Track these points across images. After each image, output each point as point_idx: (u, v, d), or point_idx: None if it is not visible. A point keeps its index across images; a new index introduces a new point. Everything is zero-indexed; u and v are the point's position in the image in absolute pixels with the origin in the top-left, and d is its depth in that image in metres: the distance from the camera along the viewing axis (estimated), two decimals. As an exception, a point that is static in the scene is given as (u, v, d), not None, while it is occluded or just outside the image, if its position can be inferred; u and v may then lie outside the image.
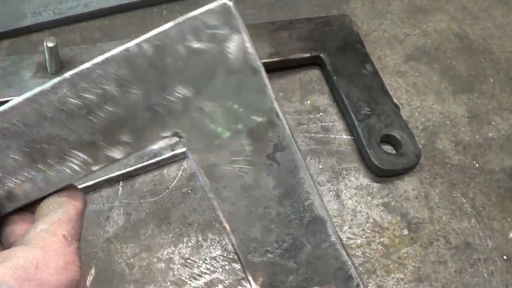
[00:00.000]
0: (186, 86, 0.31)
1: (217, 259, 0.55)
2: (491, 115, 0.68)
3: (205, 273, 0.54)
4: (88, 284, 0.53)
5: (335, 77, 0.68)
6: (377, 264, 0.55)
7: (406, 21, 0.78)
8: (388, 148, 0.63)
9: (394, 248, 0.57)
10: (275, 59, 0.69)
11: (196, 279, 0.54)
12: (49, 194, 0.32)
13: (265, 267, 0.34)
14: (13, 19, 0.72)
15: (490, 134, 0.66)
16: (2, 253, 0.30)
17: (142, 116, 0.31)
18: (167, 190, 0.59)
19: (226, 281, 0.54)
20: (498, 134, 0.66)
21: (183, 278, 0.54)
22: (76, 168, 0.31)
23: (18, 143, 0.30)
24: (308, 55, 0.70)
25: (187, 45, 0.30)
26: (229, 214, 0.34)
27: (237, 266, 0.54)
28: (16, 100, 0.30)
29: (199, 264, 0.55)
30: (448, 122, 0.67)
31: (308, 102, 0.68)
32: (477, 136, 0.65)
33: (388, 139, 0.63)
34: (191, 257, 0.55)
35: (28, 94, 0.30)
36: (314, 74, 0.71)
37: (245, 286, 0.54)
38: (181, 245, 0.56)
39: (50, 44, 0.61)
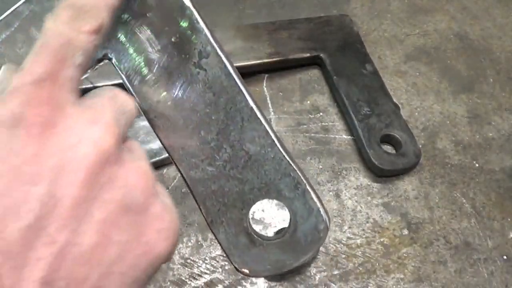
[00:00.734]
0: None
1: (217, 259, 0.55)
2: (491, 115, 0.68)
3: (205, 273, 0.54)
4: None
5: (335, 77, 0.68)
6: (377, 264, 0.55)
7: (406, 21, 0.78)
8: (388, 148, 0.63)
9: (394, 248, 0.57)
10: (275, 59, 0.69)
11: (196, 279, 0.54)
12: None
13: (208, 181, 0.34)
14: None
15: (490, 134, 0.66)
16: None
17: None
18: (167, 190, 0.59)
19: (226, 281, 0.54)
20: (498, 134, 0.66)
21: (183, 278, 0.54)
22: None
23: None
24: (308, 55, 0.70)
25: None
26: (165, 129, 0.33)
27: (237, 266, 0.54)
28: None
29: (199, 264, 0.55)
30: (448, 122, 0.67)
31: (308, 102, 0.68)
32: (477, 136, 0.65)
33: (388, 139, 0.63)
34: (191, 257, 0.55)
35: None
36: (314, 74, 0.71)
37: (245, 286, 0.54)
38: (181, 245, 0.56)
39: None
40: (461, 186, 0.61)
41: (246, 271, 0.33)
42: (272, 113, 0.67)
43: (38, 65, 0.25)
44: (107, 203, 0.24)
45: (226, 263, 0.55)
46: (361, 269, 0.55)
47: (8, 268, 0.22)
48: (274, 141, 0.34)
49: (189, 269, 0.54)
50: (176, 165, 0.34)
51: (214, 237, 0.34)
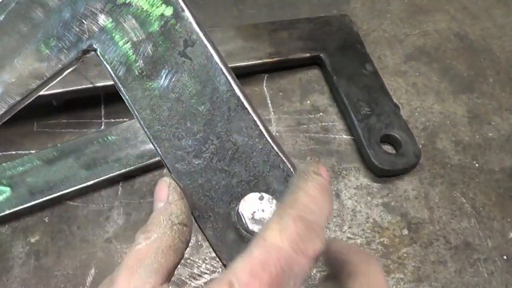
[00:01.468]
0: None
1: (217, 259, 0.55)
2: (491, 115, 0.68)
3: (205, 273, 0.54)
4: (88, 284, 0.53)
5: (335, 77, 0.68)
6: (377, 264, 0.55)
7: (406, 21, 0.78)
8: (388, 148, 0.63)
9: (394, 248, 0.57)
10: (275, 59, 0.69)
11: (196, 279, 0.54)
12: None
13: (195, 174, 0.33)
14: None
15: (490, 134, 0.66)
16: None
17: (57, 31, 0.32)
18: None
19: (226, 281, 0.54)
20: (498, 134, 0.66)
21: (183, 278, 0.54)
22: None
23: None
24: (308, 55, 0.70)
25: None
26: (150, 121, 0.32)
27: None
28: None
29: (199, 264, 0.55)
30: (448, 122, 0.67)
31: (308, 102, 0.68)
32: (477, 136, 0.65)
33: (388, 139, 0.63)
34: (191, 257, 0.55)
35: None
36: (314, 74, 0.71)
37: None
38: (181, 245, 0.56)
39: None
40: (461, 186, 0.61)
41: None
42: (272, 113, 0.67)
43: (256, 284, 0.22)
44: None
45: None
46: (361, 269, 0.55)
47: None
48: (262, 131, 0.32)
49: (189, 269, 0.54)
50: (161, 158, 0.33)
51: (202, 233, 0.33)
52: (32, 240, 0.56)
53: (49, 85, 0.33)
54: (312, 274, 0.54)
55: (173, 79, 0.32)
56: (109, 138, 0.61)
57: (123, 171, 0.59)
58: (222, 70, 0.32)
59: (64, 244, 0.56)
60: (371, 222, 0.58)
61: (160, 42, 0.32)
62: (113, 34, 0.32)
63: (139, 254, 0.27)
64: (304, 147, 0.64)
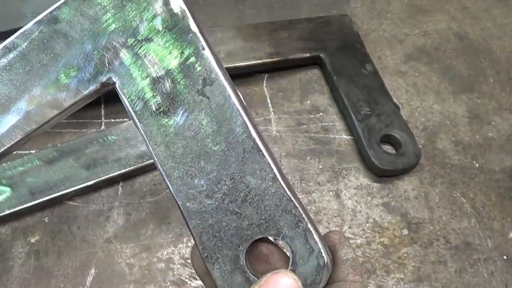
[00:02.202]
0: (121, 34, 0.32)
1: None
2: (491, 115, 0.68)
3: (205, 273, 0.54)
4: (88, 284, 0.53)
5: (335, 77, 0.68)
6: (377, 264, 0.55)
7: (406, 21, 0.78)
8: (388, 148, 0.63)
9: (394, 248, 0.57)
10: (275, 59, 0.69)
11: (196, 279, 0.54)
12: None
13: (206, 214, 0.33)
14: (13, 20, 0.72)
15: (490, 134, 0.66)
16: None
17: (78, 62, 0.32)
18: (167, 190, 0.59)
19: (226, 281, 0.54)
20: (498, 134, 0.66)
21: (183, 278, 0.54)
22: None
23: None
24: (308, 55, 0.71)
25: None
26: (164, 158, 0.32)
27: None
28: None
29: (199, 264, 0.55)
30: (448, 122, 0.67)
31: (308, 102, 0.68)
32: (477, 136, 0.66)
33: (388, 139, 0.63)
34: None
35: None
36: (314, 74, 0.71)
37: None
38: (181, 245, 0.56)
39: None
40: (461, 186, 0.61)
41: None
42: (272, 113, 0.67)
43: None
44: None
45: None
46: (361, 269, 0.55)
47: None
48: (276, 175, 0.32)
49: (189, 269, 0.54)
50: (173, 195, 0.33)
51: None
52: (32, 240, 0.56)
53: (67, 116, 0.33)
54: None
55: (189, 117, 0.32)
56: (109, 138, 0.61)
57: (123, 171, 0.59)
58: (239, 110, 0.32)
59: (64, 244, 0.56)
60: (371, 222, 0.58)
61: (179, 79, 0.32)
62: (133, 69, 0.32)
63: None
64: (304, 147, 0.64)
